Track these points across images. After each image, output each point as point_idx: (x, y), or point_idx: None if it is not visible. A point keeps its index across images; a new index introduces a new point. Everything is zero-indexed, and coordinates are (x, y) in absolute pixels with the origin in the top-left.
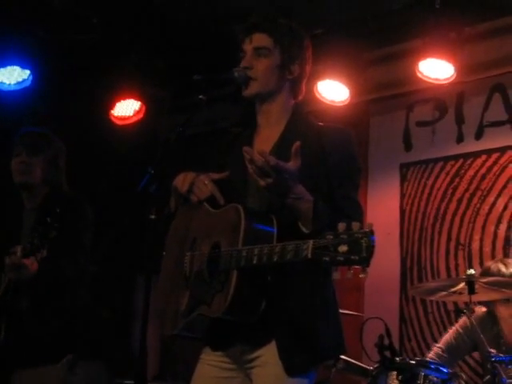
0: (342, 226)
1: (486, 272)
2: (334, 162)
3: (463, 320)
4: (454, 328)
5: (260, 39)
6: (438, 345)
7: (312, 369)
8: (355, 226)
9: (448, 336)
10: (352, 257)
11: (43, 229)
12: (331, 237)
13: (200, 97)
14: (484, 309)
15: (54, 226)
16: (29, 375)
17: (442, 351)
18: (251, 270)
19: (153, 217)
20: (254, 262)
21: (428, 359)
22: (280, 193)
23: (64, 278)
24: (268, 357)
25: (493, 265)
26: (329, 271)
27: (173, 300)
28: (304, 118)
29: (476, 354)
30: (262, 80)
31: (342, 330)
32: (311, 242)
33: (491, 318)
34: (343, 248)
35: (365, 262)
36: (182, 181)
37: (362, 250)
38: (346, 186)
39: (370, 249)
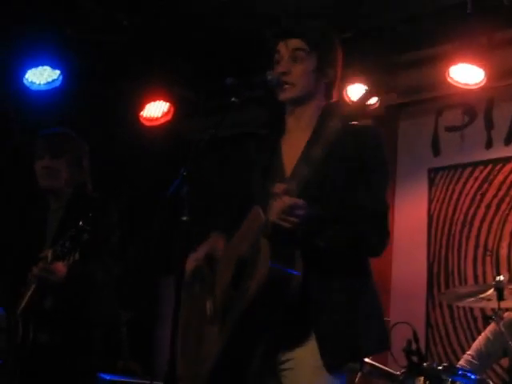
0: None
1: None
2: (359, 160)
3: (493, 326)
4: (483, 334)
5: (296, 44)
6: (468, 352)
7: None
8: None
9: (478, 343)
10: None
11: (75, 232)
12: None
13: (233, 99)
14: None
15: (87, 229)
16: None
17: (473, 358)
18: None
19: (184, 218)
20: None
21: (457, 365)
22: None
23: (93, 281)
24: (301, 359)
25: None
26: (369, 269)
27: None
28: (332, 119)
29: (503, 362)
30: (299, 85)
31: (385, 325)
32: None
33: None
34: None
35: None
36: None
37: None
38: (370, 184)
39: None
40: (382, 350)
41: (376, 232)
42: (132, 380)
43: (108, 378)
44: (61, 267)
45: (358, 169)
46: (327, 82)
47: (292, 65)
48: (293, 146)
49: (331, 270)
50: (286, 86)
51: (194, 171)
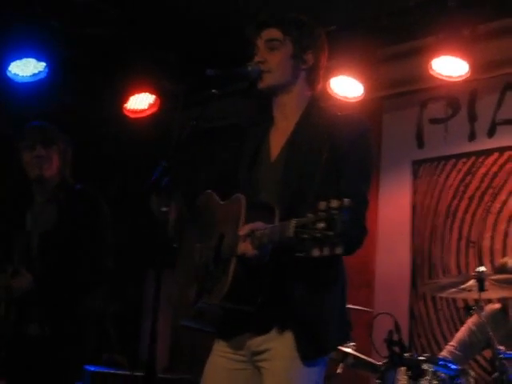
0: (322, 204)
1: (502, 267)
2: (342, 151)
3: (476, 317)
4: (466, 325)
5: (269, 33)
6: (451, 343)
7: (322, 358)
8: (333, 202)
9: (461, 334)
10: (328, 233)
11: None
12: (311, 215)
13: (213, 91)
14: (498, 305)
15: None
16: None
17: (455, 349)
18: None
19: (164, 209)
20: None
21: (438, 356)
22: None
23: (75, 281)
24: (278, 350)
25: (510, 260)
26: (339, 261)
27: (185, 292)
28: (318, 109)
29: (486, 352)
30: (275, 72)
31: (348, 317)
32: (294, 221)
33: (504, 314)
34: (321, 225)
35: (339, 236)
36: None
37: (337, 226)
38: (351, 176)
39: (345, 224)
40: (345, 342)
41: (353, 229)
42: (116, 371)
43: (92, 369)
44: (19, 280)
45: (339, 160)
46: (307, 68)
47: (268, 53)
48: (279, 135)
49: (304, 265)
50: (264, 74)
51: (177, 162)
